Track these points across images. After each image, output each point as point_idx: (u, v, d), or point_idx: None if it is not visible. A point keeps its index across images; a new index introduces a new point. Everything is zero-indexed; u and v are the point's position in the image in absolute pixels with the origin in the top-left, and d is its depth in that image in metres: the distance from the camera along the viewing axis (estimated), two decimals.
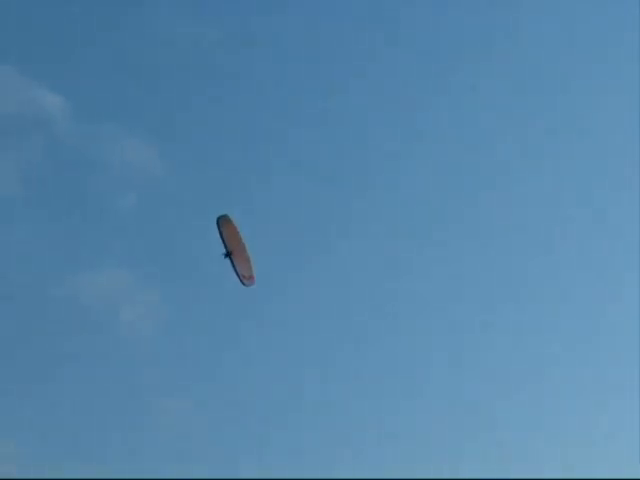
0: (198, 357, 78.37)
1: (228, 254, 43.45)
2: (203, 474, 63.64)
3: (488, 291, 75.40)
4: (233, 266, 43.75)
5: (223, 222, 43.76)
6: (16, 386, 74.97)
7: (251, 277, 43.54)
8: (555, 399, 67.53)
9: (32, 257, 79.75)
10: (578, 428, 65.70)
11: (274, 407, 76.37)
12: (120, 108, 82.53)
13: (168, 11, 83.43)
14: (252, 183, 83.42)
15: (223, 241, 43.76)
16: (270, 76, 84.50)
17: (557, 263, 76.35)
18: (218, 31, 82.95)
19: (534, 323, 72.41)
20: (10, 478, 57.03)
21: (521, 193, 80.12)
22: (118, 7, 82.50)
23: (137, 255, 79.54)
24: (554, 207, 79.90)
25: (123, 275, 79.45)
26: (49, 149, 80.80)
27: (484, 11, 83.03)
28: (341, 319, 74.11)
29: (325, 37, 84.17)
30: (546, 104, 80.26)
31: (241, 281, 43.80)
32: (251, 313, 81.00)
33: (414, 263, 76.73)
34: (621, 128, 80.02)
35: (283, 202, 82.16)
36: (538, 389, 68.13)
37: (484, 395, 67.51)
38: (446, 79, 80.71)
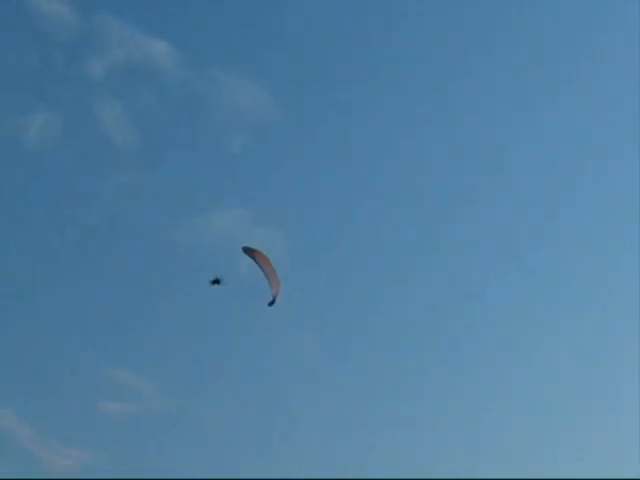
0: (321, 297, 76.91)
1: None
2: None
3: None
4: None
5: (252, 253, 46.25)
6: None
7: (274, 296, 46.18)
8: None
9: (153, 201, 78.33)
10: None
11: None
12: (228, 51, 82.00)
13: None
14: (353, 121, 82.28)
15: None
16: None
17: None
18: None
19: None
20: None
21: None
22: None
23: (254, 194, 78.12)
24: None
25: (241, 214, 77.96)
26: (161, 96, 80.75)
27: None
28: None
29: None
30: None
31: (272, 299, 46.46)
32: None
33: None
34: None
35: None
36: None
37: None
38: None
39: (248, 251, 45.79)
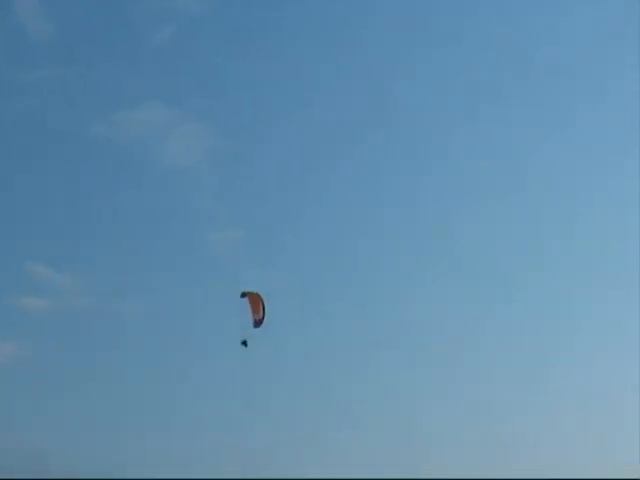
0: (245, 187, 76.70)
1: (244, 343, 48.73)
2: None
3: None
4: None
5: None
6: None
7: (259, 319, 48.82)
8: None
9: (74, 97, 77.81)
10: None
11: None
12: None
13: None
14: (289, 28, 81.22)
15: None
16: None
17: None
18: None
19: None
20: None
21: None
22: None
23: (178, 90, 77.46)
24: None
25: (165, 110, 77.27)
26: None
27: None
28: None
29: None
30: None
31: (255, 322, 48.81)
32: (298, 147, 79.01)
33: None
34: None
35: None
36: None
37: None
38: None
39: (246, 294, 48.59)
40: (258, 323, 48.27)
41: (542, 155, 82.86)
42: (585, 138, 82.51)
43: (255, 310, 48.19)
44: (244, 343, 48.31)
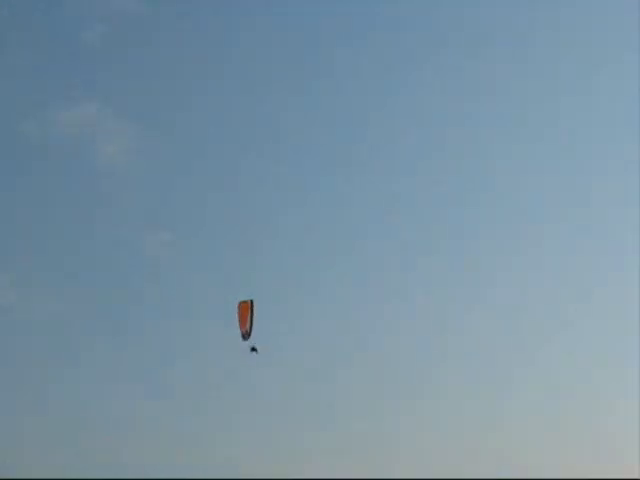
0: (180, 190, 76.05)
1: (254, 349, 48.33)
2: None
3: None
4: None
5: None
6: None
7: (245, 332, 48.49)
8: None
9: (3, 95, 76.96)
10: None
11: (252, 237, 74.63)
12: None
13: None
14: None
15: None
16: None
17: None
18: None
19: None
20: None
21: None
22: None
23: (112, 88, 76.85)
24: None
25: (98, 109, 76.54)
26: None
27: None
28: None
29: None
30: None
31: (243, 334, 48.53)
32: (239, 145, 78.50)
33: None
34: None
35: None
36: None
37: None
38: None
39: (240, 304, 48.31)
40: (245, 336, 47.65)
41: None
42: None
43: (242, 322, 47.59)
44: (254, 349, 47.64)
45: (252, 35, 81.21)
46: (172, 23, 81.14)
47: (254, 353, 47.77)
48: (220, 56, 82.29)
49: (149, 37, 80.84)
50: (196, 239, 76.86)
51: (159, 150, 78.38)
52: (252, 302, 47.45)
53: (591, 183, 80.00)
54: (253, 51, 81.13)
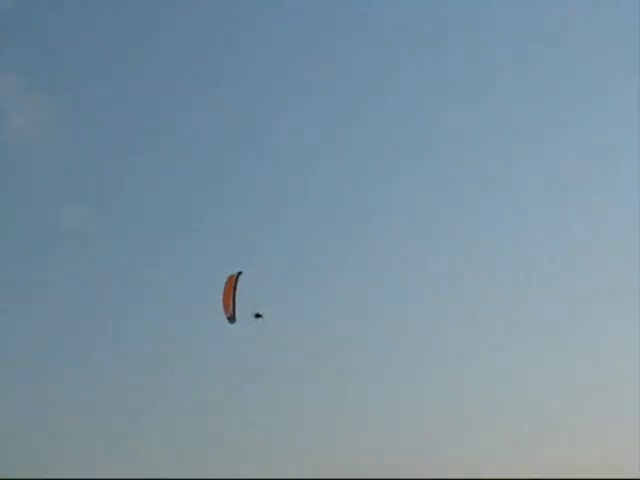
0: (97, 162, 74.88)
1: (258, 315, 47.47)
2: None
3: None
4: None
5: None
6: None
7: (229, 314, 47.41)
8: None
9: None
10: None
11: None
12: None
13: None
14: None
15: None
16: None
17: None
18: None
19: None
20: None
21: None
22: None
23: (25, 58, 75.09)
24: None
25: (12, 79, 75.01)
26: None
27: None
28: None
29: None
30: None
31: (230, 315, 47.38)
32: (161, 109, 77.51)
33: None
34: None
35: None
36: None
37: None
38: None
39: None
40: (231, 319, 46.72)
41: None
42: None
43: (226, 305, 46.59)
44: (258, 315, 46.53)
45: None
46: None
47: (259, 319, 46.65)
48: (141, 25, 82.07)
49: (61, 6, 79.63)
50: (115, 213, 76.24)
51: (72, 123, 77.44)
52: (238, 275, 46.30)
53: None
54: (174, 19, 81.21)
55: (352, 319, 72.30)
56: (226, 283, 46.80)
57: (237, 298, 46.34)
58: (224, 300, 46.59)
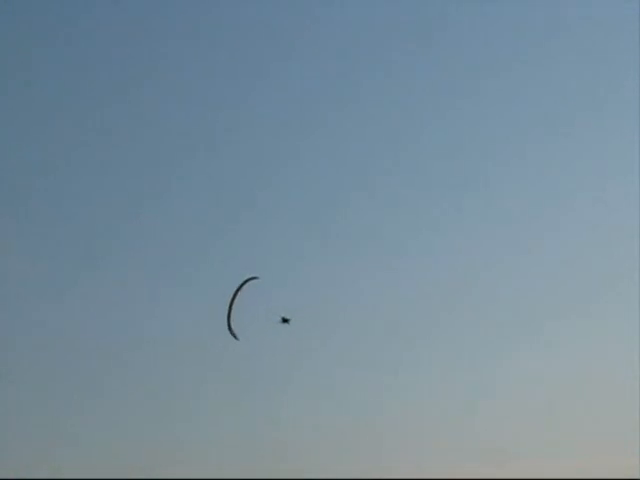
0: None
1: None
2: None
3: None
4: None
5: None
6: None
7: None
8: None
9: None
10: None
11: None
12: None
13: None
14: None
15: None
16: None
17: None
18: None
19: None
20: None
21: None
22: None
23: None
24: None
25: None
26: None
27: None
28: None
29: None
30: None
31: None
32: None
33: None
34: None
35: None
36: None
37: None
38: None
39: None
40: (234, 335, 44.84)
41: None
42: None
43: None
44: (285, 320, 44.80)
45: None
46: None
47: (286, 324, 44.90)
48: None
49: None
50: None
51: None
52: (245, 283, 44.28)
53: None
54: None
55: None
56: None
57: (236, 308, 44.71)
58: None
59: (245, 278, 45.00)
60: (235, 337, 44.76)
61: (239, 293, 44.64)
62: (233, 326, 44.74)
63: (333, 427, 64.57)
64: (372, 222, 76.22)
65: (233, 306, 44.44)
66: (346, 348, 68.65)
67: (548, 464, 61.12)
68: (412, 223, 79.56)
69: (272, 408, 65.42)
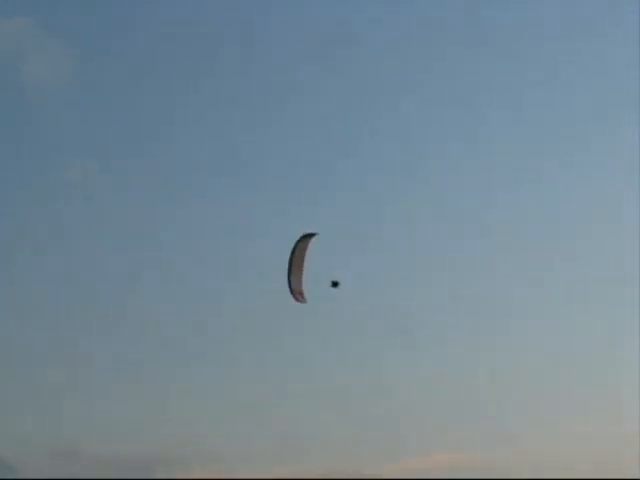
0: (111, 114, 73.76)
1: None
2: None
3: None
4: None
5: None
6: None
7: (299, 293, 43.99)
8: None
9: None
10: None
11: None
12: None
13: None
14: None
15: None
16: None
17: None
18: None
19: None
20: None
21: None
22: None
23: (45, 5, 74.18)
24: None
25: (29, 24, 73.81)
26: None
27: None
28: None
29: None
30: None
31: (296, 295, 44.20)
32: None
33: None
34: None
35: None
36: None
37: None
38: None
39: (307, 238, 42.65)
40: (299, 297, 42.71)
41: None
42: None
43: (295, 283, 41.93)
44: (335, 284, 43.67)
45: None
46: None
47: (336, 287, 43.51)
48: None
49: None
50: (126, 170, 76.40)
51: (92, 75, 77.57)
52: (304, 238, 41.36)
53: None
54: None
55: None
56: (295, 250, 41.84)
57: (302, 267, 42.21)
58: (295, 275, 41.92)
59: (302, 234, 42.68)
60: (296, 298, 42.87)
61: (300, 253, 42.09)
62: (302, 287, 42.84)
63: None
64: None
65: (293, 266, 41.90)
66: None
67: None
68: None
69: None
